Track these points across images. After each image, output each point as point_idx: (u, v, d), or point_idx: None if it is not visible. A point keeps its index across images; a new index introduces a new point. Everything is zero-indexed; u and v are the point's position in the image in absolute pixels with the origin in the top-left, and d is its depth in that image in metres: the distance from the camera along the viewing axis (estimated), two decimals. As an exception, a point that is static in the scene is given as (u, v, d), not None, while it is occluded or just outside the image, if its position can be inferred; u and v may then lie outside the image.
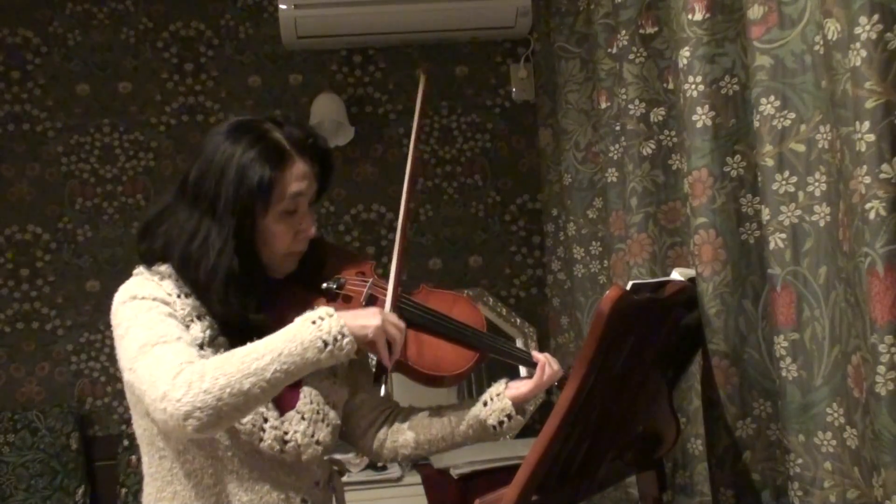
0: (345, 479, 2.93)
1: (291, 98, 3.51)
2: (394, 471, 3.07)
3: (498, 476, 2.79)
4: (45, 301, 3.38)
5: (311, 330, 1.41)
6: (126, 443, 3.18)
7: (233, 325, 1.54)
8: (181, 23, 3.48)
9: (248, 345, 1.43)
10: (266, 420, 1.52)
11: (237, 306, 1.52)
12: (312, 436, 1.56)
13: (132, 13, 3.46)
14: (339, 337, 1.41)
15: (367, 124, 3.52)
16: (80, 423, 3.29)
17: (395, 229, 3.50)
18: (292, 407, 1.56)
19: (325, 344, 1.40)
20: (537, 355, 1.68)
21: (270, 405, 1.53)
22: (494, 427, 1.62)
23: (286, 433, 1.53)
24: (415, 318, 1.62)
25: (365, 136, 3.51)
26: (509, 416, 1.61)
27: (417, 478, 3.05)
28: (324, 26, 3.27)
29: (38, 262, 3.39)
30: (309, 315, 1.43)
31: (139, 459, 1.63)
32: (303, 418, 1.55)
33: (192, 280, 1.53)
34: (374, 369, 1.58)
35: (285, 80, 3.52)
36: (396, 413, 1.73)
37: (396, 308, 1.60)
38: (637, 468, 1.78)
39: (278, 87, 3.51)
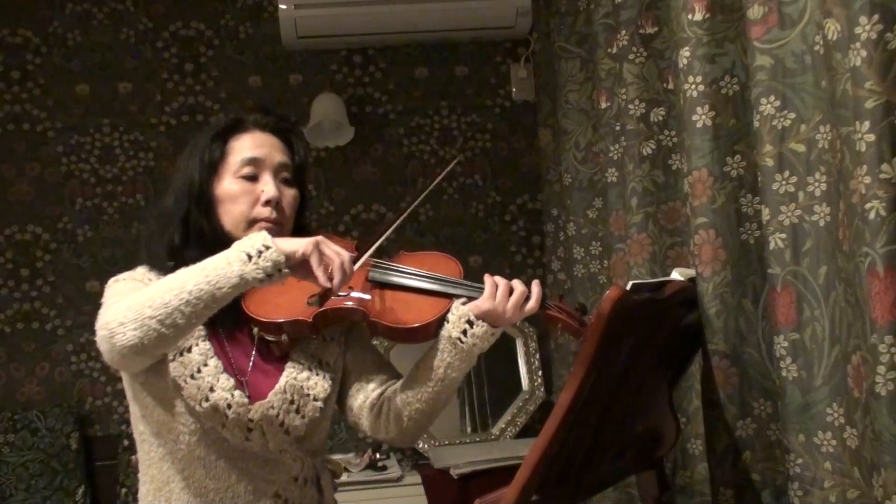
0: (345, 478, 2.96)
1: (291, 98, 3.51)
2: (394, 471, 3.07)
3: (498, 476, 2.79)
4: (45, 301, 3.38)
5: (238, 245, 1.42)
6: (126, 443, 3.18)
7: None
8: (181, 23, 3.48)
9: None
10: (230, 406, 1.51)
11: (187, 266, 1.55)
12: (281, 425, 1.54)
13: (132, 13, 3.46)
14: (264, 248, 1.39)
15: (367, 124, 3.52)
16: (80, 423, 3.29)
17: (395, 229, 3.51)
18: (264, 396, 1.56)
19: (249, 256, 1.39)
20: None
21: (238, 393, 1.53)
22: (460, 339, 1.54)
23: (251, 421, 1.53)
24: (386, 275, 1.63)
25: (365, 136, 3.51)
26: (470, 323, 1.54)
27: (417, 478, 3.05)
28: (324, 26, 3.28)
29: (38, 262, 3.39)
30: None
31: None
32: (272, 407, 1.54)
33: (167, 248, 1.59)
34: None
35: (285, 80, 3.52)
36: (395, 385, 1.69)
37: (365, 270, 1.63)
38: (637, 468, 1.78)
39: (278, 87, 3.51)
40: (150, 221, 1.65)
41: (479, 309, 1.55)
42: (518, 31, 3.41)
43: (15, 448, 3.16)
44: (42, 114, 3.42)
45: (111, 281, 1.60)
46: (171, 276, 1.44)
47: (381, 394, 1.66)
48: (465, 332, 1.55)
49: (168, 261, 1.56)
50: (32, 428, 3.19)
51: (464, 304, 1.57)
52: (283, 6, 3.22)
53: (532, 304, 1.58)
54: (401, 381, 1.65)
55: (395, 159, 3.55)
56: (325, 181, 3.52)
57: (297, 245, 1.43)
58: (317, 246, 1.44)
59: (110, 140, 3.45)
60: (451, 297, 1.60)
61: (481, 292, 1.58)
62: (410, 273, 1.64)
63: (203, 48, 3.49)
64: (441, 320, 1.58)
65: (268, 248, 1.40)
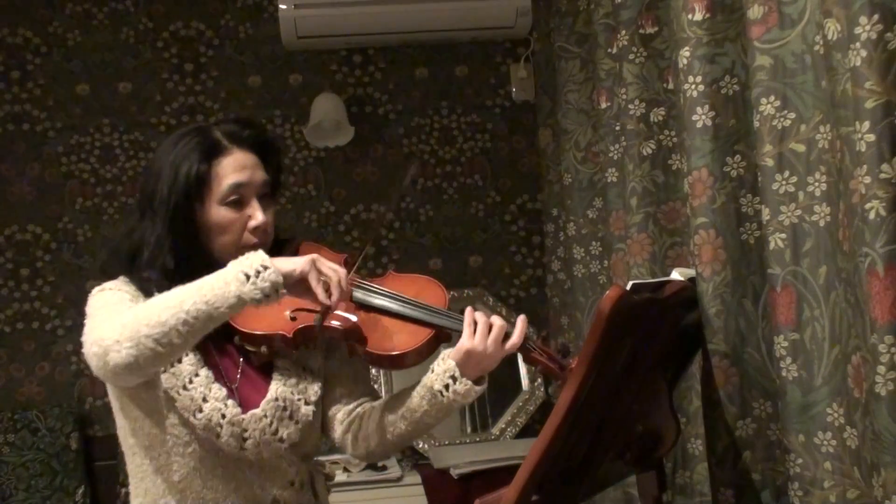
0: (345, 478, 2.95)
1: (291, 98, 3.51)
2: (394, 471, 3.07)
3: (498, 476, 2.79)
4: (45, 301, 3.38)
5: (235, 265, 1.40)
6: (126, 443, 3.18)
7: None
8: (181, 23, 3.48)
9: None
10: (224, 416, 1.51)
11: None
12: (275, 433, 1.54)
13: (132, 13, 3.46)
14: (262, 269, 1.38)
15: (367, 124, 3.52)
16: (80, 423, 3.29)
17: (395, 229, 3.52)
18: (257, 405, 1.56)
19: (247, 276, 1.38)
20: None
21: (231, 402, 1.53)
22: (441, 392, 1.54)
23: (245, 430, 1.52)
24: (369, 297, 1.61)
25: (365, 136, 3.51)
26: (454, 378, 1.53)
27: (417, 478, 3.05)
28: (324, 26, 3.27)
29: (38, 262, 3.39)
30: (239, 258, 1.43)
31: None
32: (265, 416, 1.54)
33: (137, 280, 1.56)
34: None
35: (285, 80, 3.52)
36: (372, 405, 1.69)
37: (349, 290, 1.60)
38: (637, 468, 1.78)
39: (278, 87, 3.51)
40: (125, 241, 1.60)
41: (461, 350, 1.54)
42: (518, 31, 3.41)
43: (15, 448, 3.15)
44: (42, 114, 3.42)
45: (96, 290, 1.58)
46: (166, 295, 1.41)
47: (353, 410, 1.67)
48: (446, 387, 1.54)
49: (167, 285, 1.49)
50: (32, 428, 3.18)
51: (448, 354, 1.55)
52: (283, 6, 3.22)
53: (514, 340, 1.56)
54: (378, 407, 1.65)
55: (395, 159, 3.55)
56: (325, 181, 3.51)
57: (295, 264, 1.42)
58: (313, 264, 1.44)
59: (110, 140, 3.44)
60: (431, 326, 1.58)
61: (461, 324, 1.56)
62: (394, 297, 1.62)
63: (203, 48, 3.49)
64: (418, 351, 1.57)
65: (266, 268, 1.39)
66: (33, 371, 3.36)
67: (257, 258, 1.40)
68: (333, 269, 1.46)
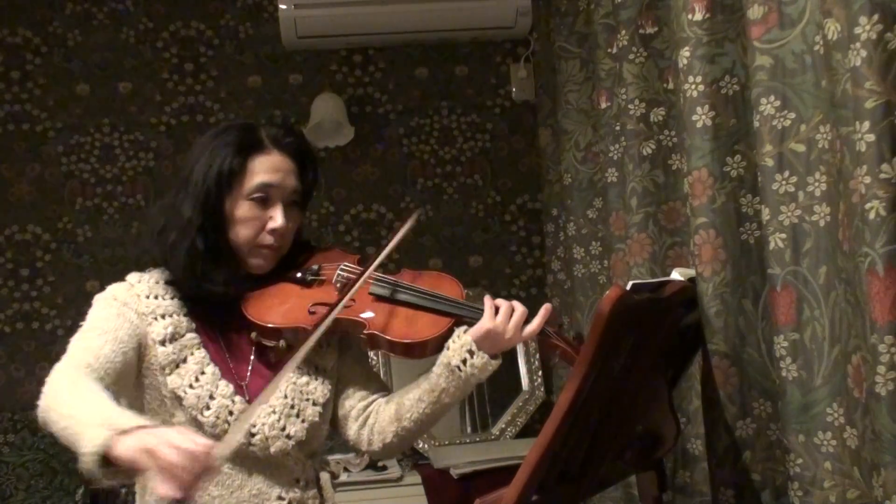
0: (345, 478, 2.95)
1: (291, 98, 3.51)
2: (394, 471, 3.07)
3: (498, 476, 2.79)
4: (45, 301, 3.38)
5: (105, 422, 1.25)
6: (126, 443, 3.18)
7: (203, 303, 1.58)
8: (181, 23, 3.48)
9: (93, 386, 1.38)
10: (231, 413, 1.52)
11: (202, 278, 1.56)
12: (283, 429, 1.55)
13: (132, 13, 3.46)
14: (91, 449, 1.21)
15: (367, 124, 3.52)
16: (80, 423, 3.29)
17: (394, 229, 3.51)
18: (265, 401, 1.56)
19: (83, 454, 1.22)
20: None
21: (238, 398, 1.54)
22: (459, 367, 1.54)
23: (254, 426, 1.53)
24: (388, 291, 1.63)
25: (365, 136, 3.51)
26: (471, 353, 1.54)
27: (417, 478, 3.05)
28: (324, 26, 3.27)
29: (38, 262, 3.39)
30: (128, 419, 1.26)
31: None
32: (273, 412, 1.55)
33: (162, 255, 1.59)
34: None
35: (285, 80, 3.51)
36: (386, 399, 1.69)
37: (368, 284, 1.63)
38: (637, 468, 1.78)
39: (278, 87, 3.51)
40: (158, 218, 1.62)
41: (481, 330, 1.55)
42: (518, 31, 3.41)
43: (15, 448, 3.15)
44: (42, 114, 3.41)
45: (96, 297, 1.61)
46: (77, 394, 1.35)
47: (367, 406, 1.67)
48: (464, 361, 1.55)
49: (189, 265, 1.55)
50: (32, 428, 3.18)
51: (465, 331, 1.57)
52: (283, 6, 3.22)
53: (534, 326, 1.58)
54: (392, 397, 1.66)
55: (395, 159, 3.55)
56: (325, 181, 3.51)
57: (128, 449, 1.19)
58: (154, 449, 1.16)
59: (110, 140, 3.44)
60: (451, 316, 1.60)
61: (481, 314, 1.57)
62: (412, 290, 1.64)
63: (203, 48, 3.49)
64: (440, 339, 1.58)
65: (93, 454, 1.20)
66: (33, 371, 3.36)
67: (100, 435, 1.21)
68: (175, 447, 1.16)
